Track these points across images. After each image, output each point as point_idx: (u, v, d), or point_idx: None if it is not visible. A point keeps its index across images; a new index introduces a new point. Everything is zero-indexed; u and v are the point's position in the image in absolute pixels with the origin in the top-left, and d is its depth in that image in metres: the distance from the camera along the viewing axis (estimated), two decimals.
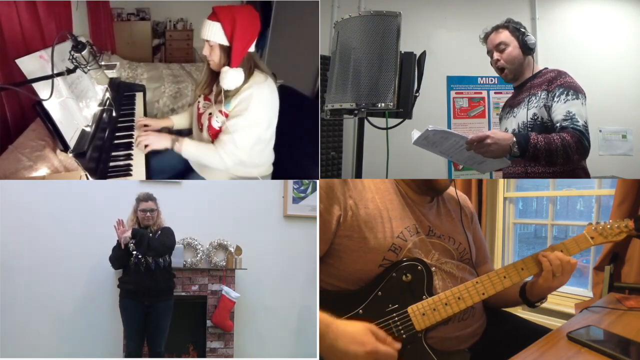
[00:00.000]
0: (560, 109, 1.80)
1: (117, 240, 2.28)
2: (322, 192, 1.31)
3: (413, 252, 1.32)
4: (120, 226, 2.26)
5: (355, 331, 1.09)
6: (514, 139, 1.68)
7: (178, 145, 2.02)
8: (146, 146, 2.03)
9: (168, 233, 2.37)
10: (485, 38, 2.05)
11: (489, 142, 1.66)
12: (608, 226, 1.40)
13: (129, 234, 2.24)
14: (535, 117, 1.89)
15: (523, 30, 1.96)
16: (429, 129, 1.69)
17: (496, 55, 2.01)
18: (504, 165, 1.86)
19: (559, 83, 1.85)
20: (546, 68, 1.99)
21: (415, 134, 1.74)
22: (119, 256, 2.29)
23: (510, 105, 2.08)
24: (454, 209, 1.55)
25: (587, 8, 3.60)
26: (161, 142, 2.04)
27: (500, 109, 2.22)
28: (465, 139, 1.70)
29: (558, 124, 1.79)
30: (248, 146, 2.03)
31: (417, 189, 1.45)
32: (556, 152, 1.69)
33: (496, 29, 2.01)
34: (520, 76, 2.02)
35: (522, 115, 1.95)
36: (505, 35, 1.98)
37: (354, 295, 1.28)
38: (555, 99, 1.83)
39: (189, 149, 2.04)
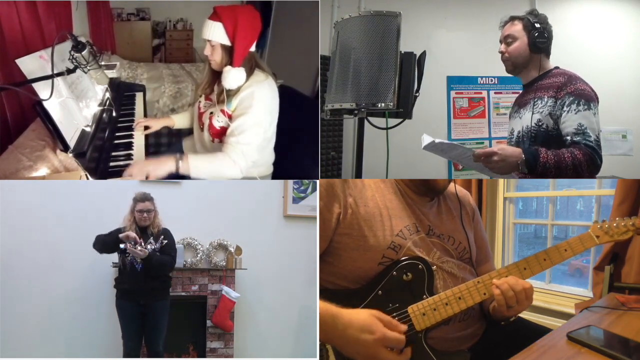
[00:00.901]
0: (571, 121, 1.71)
1: (114, 233, 2.23)
2: (322, 189, 1.31)
3: (414, 250, 1.32)
4: (138, 246, 2.19)
5: (363, 319, 1.11)
6: (523, 156, 1.62)
7: (183, 164, 1.86)
8: (147, 177, 1.85)
9: (171, 249, 2.33)
10: (503, 26, 1.97)
11: (495, 159, 1.63)
12: (614, 224, 1.36)
13: (143, 254, 2.20)
14: (540, 124, 1.81)
15: (538, 26, 1.85)
16: (436, 141, 1.67)
17: (502, 47, 1.95)
18: (512, 177, 1.82)
19: (569, 91, 1.75)
20: (557, 67, 1.90)
21: (426, 139, 1.72)
22: (108, 245, 2.25)
23: (519, 104, 2.01)
24: (455, 206, 1.55)
25: (587, 8, 3.60)
26: (162, 168, 1.85)
27: (511, 107, 2.15)
28: (471, 152, 1.69)
29: (569, 137, 1.70)
30: (256, 144, 1.99)
31: (416, 189, 1.45)
32: (565, 171, 1.63)
33: (512, 19, 1.93)
34: (525, 72, 1.94)
35: (527, 118, 1.87)
36: (516, 29, 1.90)
37: (353, 294, 1.28)
38: (565, 109, 1.73)
39: (196, 165, 1.89)
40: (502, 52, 1.96)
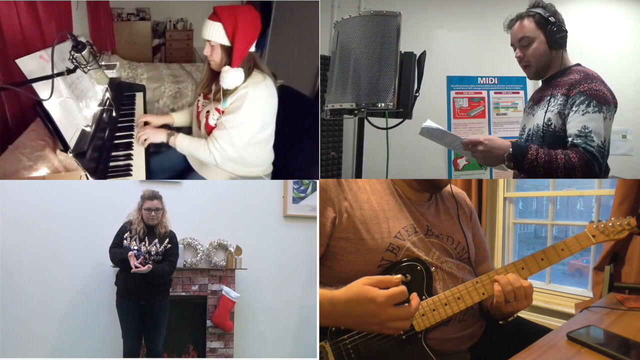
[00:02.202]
0: (576, 122, 1.58)
1: (123, 253, 2.23)
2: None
3: (413, 251, 1.32)
4: (141, 266, 2.19)
5: (356, 294, 1.05)
6: (510, 150, 1.55)
7: (172, 139, 2.11)
8: (145, 140, 2.13)
9: (173, 254, 2.33)
10: (509, 27, 1.80)
11: (481, 149, 1.60)
12: (610, 224, 1.37)
13: (147, 270, 2.20)
14: (549, 123, 1.69)
15: (552, 19, 1.69)
16: (423, 127, 1.68)
17: (519, 52, 1.77)
18: (502, 169, 1.77)
19: (581, 89, 1.61)
20: (578, 64, 1.76)
21: (430, 124, 1.72)
22: (124, 263, 2.25)
23: (534, 100, 1.88)
24: (452, 206, 1.55)
25: (587, 8, 3.60)
26: (158, 136, 2.14)
27: (527, 101, 2.05)
28: (460, 140, 1.68)
29: (570, 139, 1.58)
30: (239, 144, 2.03)
31: (417, 186, 1.44)
32: (556, 172, 1.52)
33: (521, 18, 1.75)
34: (546, 72, 1.79)
35: (540, 116, 1.75)
36: (530, 28, 1.72)
37: None
38: (574, 108, 1.60)
39: (182, 143, 2.10)
40: (519, 57, 1.78)
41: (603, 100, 1.60)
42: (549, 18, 1.70)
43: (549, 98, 1.74)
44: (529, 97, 2.07)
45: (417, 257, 1.32)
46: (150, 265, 2.21)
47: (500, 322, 1.38)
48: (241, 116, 1.98)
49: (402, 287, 1.03)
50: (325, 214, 1.30)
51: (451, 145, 1.80)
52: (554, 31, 1.70)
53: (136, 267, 2.19)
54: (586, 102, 1.59)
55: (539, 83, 1.91)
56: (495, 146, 1.58)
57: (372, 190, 1.38)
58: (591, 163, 1.52)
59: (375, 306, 1.02)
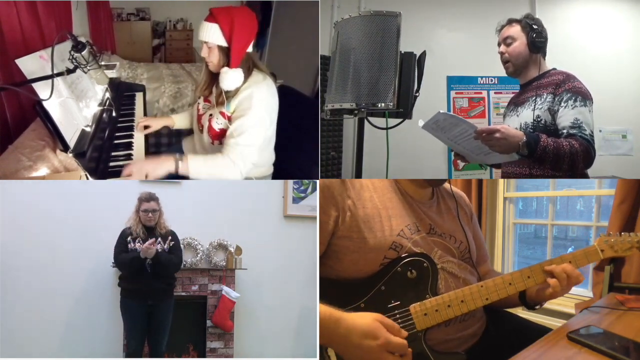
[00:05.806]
0: (568, 115, 1.78)
1: (137, 254, 2.25)
2: (319, 193, 1.31)
3: (415, 250, 1.32)
4: (150, 245, 2.24)
5: (366, 324, 1.10)
6: (525, 138, 1.66)
7: (183, 165, 1.86)
8: (146, 177, 1.85)
9: (178, 249, 2.38)
10: (500, 30, 2.04)
11: (498, 136, 1.64)
12: (620, 240, 1.39)
13: (153, 249, 2.24)
14: (539, 120, 1.87)
15: (536, 27, 1.93)
16: (440, 112, 1.68)
17: (502, 47, 2.01)
18: (511, 159, 1.82)
19: (567, 87, 1.82)
20: (554, 69, 1.97)
21: (422, 123, 1.74)
22: (134, 267, 2.27)
23: (515, 103, 2.07)
24: (453, 206, 1.56)
25: (587, 7, 3.60)
26: (161, 168, 1.86)
27: (505, 107, 2.20)
28: (474, 128, 1.69)
29: (565, 130, 1.77)
30: (257, 146, 1.99)
31: (419, 181, 1.45)
32: (563, 158, 1.68)
33: (510, 22, 2.01)
34: (524, 73, 2.01)
35: (526, 115, 1.93)
36: (515, 30, 1.97)
37: (356, 287, 1.27)
38: (562, 104, 1.80)
39: (196, 166, 1.89)
40: (502, 53, 2.02)
41: (586, 96, 1.81)
42: (533, 26, 1.93)
43: (534, 98, 1.91)
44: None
45: (422, 253, 1.31)
46: (155, 248, 2.24)
47: (535, 307, 1.43)
48: (253, 117, 1.94)
49: (405, 342, 1.10)
50: (327, 212, 1.29)
51: (460, 136, 1.79)
52: (534, 36, 1.92)
53: (144, 248, 2.22)
54: (573, 98, 1.79)
55: None
56: (511, 134, 1.67)
57: (375, 189, 1.38)
58: (589, 148, 1.72)
59: (375, 344, 1.07)
